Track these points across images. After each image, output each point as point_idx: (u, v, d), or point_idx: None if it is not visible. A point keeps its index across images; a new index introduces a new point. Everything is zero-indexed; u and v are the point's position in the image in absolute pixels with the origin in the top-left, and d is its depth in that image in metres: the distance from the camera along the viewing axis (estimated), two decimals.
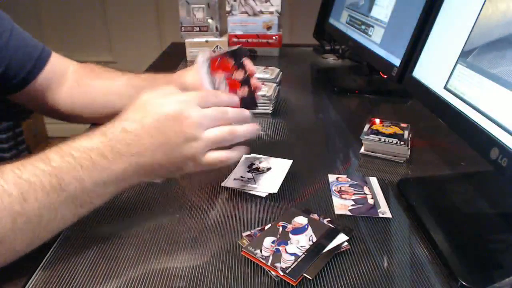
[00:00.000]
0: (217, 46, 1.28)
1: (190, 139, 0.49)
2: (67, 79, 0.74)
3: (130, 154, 0.46)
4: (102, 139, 0.46)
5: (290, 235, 0.48)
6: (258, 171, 0.62)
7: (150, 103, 0.50)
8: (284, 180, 0.60)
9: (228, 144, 0.52)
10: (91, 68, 0.77)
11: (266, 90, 0.86)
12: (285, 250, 0.46)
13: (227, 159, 0.52)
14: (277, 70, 0.97)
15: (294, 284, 0.42)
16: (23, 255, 0.42)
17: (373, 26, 0.91)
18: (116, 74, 0.76)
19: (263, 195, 0.57)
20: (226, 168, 0.62)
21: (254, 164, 0.64)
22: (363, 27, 0.96)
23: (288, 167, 0.62)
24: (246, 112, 0.55)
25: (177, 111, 0.48)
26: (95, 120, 0.77)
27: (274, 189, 0.57)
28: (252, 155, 0.67)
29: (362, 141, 0.69)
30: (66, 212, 0.43)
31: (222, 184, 0.59)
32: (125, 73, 0.76)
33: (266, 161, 0.65)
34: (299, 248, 0.46)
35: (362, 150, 0.70)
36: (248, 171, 0.62)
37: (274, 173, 0.61)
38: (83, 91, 0.74)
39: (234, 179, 0.60)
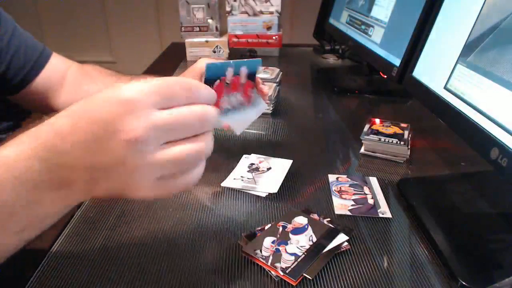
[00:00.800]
0: (217, 46, 1.28)
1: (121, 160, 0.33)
2: (66, 81, 0.75)
3: (60, 165, 0.33)
4: (31, 143, 0.34)
5: (290, 235, 0.48)
6: (258, 171, 0.62)
7: (97, 94, 0.35)
8: (284, 180, 0.60)
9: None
10: (87, 71, 0.77)
11: (266, 90, 0.86)
12: (285, 250, 0.46)
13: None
14: (277, 70, 0.97)
15: (294, 284, 0.42)
16: None
17: (373, 26, 0.91)
18: (111, 78, 0.75)
19: (263, 195, 0.57)
20: (226, 168, 0.63)
21: (254, 164, 0.64)
22: (363, 27, 0.96)
23: (288, 167, 0.62)
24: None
25: (119, 95, 0.33)
26: None
27: (274, 189, 0.57)
28: (252, 155, 0.67)
29: (362, 141, 0.69)
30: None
31: (222, 184, 0.59)
32: (119, 77, 0.75)
33: (266, 161, 0.65)
34: (299, 248, 0.46)
35: (362, 150, 0.70)
36: (248, 171, 0.62)
37: (274, 173, 0.61)
38: (77, 94, 0.74)
39: (234, 179, 0.60)
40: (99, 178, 0.33)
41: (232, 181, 0.60)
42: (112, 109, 0.32)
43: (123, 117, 0.32)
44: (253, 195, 0.57)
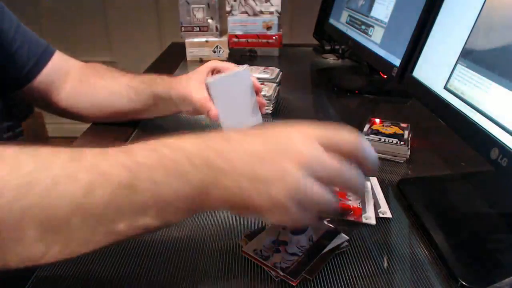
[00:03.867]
0: (217, 46, 1.28)
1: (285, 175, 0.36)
2: (71, 77, 0.75)
3: (217, 167, 0.36)
4: (197, 140, 0.38)
5: (290, 235, 0.48)
6: None
7: (274, 129, 0.39)
8: None
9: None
10: (95, 67, 0.78)
11: (266, 90, 0.86)
12: (285, 250, 0.46)
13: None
14: (277, 70, 0.97)
15: (294, 284, 0.42)
16: (69, 258, 0.34)
17: (373, 26, 0.91)
18: (119, 74, 0.76)
19: None
20: None
21: None
22: (363, 27, 0.96)
23: None
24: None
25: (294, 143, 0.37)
26: (98, 119, 0.78)
27: None
28: None
29: None
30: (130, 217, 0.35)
31: None
32: (127, 74, 0.76)
33: None
34: (299, 248, 0.46)
35: None
36: None
37: None
38: (86, 90, 0.75)
39: None
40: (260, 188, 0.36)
41: None
42: (288, 131, 0.38)
43: (300, 139, 0.37)
44: None
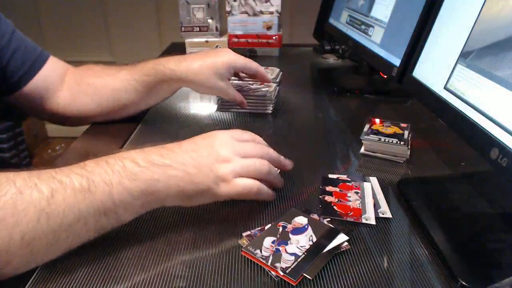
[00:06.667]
0: (217, 46, 1.28)
1: (222, 160, 0.49)
2: (67, 81, 0.75)
3: (162, 163, 0.46)
4: (137, 150, 0.47)
5: (290, 235, 0.48)
6: None
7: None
8: (284, 180, 0.59)
9: (258, 177, 0.52)
10: (88, 67, 0.78)
11: (266, 90, 0.86)
12: (285, 250, 0.46)
13: (258, 189, 0.51)
14: (277, 70, 0.97)
15: (294, 284, 0.42)
16: (40, 263, 0.42)
17: (373, 26, 0.91)
18: (115, 69, 0.76)
19: None
20: None
21: None
22: (363, 27, 0.96)
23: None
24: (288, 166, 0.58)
25: (214, 135, 0.52)
26: (103, 117, 0.77)
27: None
28: None
29: (362, 141, 0.69)
30: (89, 218, 0.42)
31: None
32: (122, 67, 0.76)
33: None
34: (299, 248, 0.46)
35: (362, 150, 0.70)
36: None
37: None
38: (84, 90, 0.74)
39: None
40: (199, 169, 0.48)
41: None
42: (211, 161, 0.49)
43: (219, 165, 0.49)
44: None
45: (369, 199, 0.56)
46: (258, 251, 0.45)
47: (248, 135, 0.56)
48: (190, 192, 0.48)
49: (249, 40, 1.31)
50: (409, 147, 0.67)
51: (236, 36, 1.31)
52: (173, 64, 0.74)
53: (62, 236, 0.41)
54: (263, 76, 0.84)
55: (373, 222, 0.52)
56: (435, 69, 0.61)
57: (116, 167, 0.44)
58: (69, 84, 0.74)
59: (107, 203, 0.43)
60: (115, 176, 0.43)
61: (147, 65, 0.75)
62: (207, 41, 1.28)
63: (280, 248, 0.46)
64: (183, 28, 1.28)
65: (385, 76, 0.97)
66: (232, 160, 0.50)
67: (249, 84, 0.88)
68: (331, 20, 1.22)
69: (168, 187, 0.46)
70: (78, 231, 0.42)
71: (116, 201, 0.43)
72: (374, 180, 0.61)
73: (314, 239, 0.47)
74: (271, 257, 0.45)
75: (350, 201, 0.56)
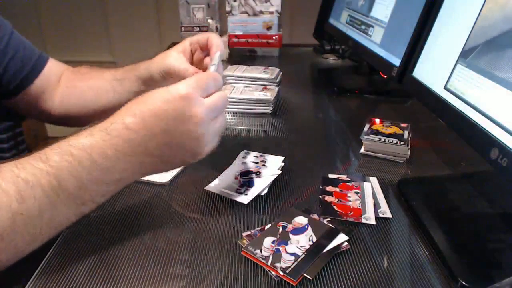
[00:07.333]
0: None
1: (199, 154, 0.49)
2: (60, 84, 0.75)
3: (134, 153, 0.45)
4: (103, 136, 0.44)
5: (290, 235, 0.48)
6: (247, 177, 0.61)
7: (149, 94, 0.48)
8: (284, 180, 0.60)
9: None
10: (78, 70, 0.77)
11: (266, 91, 0.86)
12: (285, 250, 0.46)
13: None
14: (277, 70, 0.97)
15: (294, 284, 0.42)
16: (28, 253, 0.41)
17: (373, 26, 0.91)
18: (101, 71, 0.75)
19: (245, 202, 0.55)
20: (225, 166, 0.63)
21: (248, 167, 0.63)
22: (363, 27, 0.96)
23: (277, 174, 0.61)
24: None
25: (178, 93, 0.46)
26: (91, 120, 0.77)
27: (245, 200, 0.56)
28: (251, 153, 0.67)
29: (362, 141, 0.69)
30: (68, 211, 0.43)
31: (205, 188, 0.58)
32: (109, 70, 0.75)
33: (261, 163, 0.65)
34: (299, 248, 0.46)
35: (362, 150, 0.70)
36: (236, 177, 0.61)
37: (262, 180, 0.60)
38: (72, 93, 0.74)
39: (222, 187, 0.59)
40: (176, 154, 0.48)
41: (217, 187, 0.59)
42: (177, 105, 0.45)
43: (188, 108, 0.46)
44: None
45: (369, 199, 0.56)
46: (258, 251, 0.45)
47: (213, 84, 0.50)
48: (166, 169, 0.50)
49: (249, 40, 1.31)
50: (409, 147, 0.67)
51: (236, 36, 1.31)
52: (149, 63, 0.71)
53: (44, 230, 0.41)
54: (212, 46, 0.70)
55: (373, 222, 0.52)
56: (435, 69, 0.61)
57: (84, 162, 0.42)
58: (61, 88, 0.75)
59: (83, 196, 0.43)
60: (85, 172, 0.42)
61: (131, 65, 0.74)
62: None
63: (280, 248, 0.46)
64: (183, 28, 1.28)
65: (385, 76, 0.97)
66: (209, 142, 0.49)
67: (250, 89, 0.89)
68: (331, 20, 1.22)
69: (142, 172, 0.47)
70: (58, 222, 0.43)
71: (91, 192, 0.43)
72: (374, 180, 0.61)
73: (314, 239, 0.47)
74: (271, 257, 0.45)
75: (350, 201, 0.56)
